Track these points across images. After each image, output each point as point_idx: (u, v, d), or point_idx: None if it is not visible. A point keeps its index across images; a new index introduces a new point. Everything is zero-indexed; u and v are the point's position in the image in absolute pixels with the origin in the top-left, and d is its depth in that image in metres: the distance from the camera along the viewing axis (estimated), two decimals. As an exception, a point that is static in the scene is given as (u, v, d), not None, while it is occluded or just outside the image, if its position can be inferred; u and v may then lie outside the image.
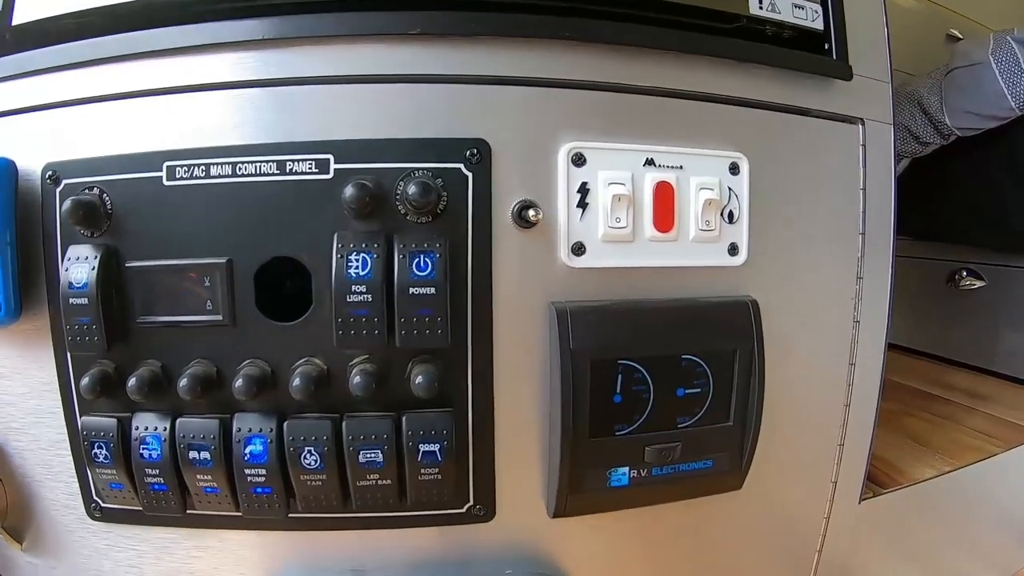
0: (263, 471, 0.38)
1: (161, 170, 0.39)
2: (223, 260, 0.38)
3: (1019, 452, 0.59)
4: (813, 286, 0.47)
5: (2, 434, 0.45)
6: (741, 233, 0.43)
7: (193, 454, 0.39)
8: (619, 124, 0.40)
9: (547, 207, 0.39)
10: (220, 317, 0.39)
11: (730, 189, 0.43)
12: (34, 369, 0.43)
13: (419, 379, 0.36)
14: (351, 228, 0.37)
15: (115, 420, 0.40)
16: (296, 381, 0.37)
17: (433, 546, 0.42)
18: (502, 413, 0.40)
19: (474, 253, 0.38)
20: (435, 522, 0.41)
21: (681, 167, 0.41)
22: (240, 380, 0.37)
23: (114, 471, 0.41)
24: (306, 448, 0.38)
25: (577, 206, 0.39)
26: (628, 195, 0.39)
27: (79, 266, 0.39)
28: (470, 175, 0.38)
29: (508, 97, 0.39)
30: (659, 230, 0.41)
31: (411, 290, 0.36)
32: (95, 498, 0.43)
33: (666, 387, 0.41)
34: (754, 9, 0.45)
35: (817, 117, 0.47)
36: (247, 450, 0.38)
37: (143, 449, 0.40)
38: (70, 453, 0.43)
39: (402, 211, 0.37)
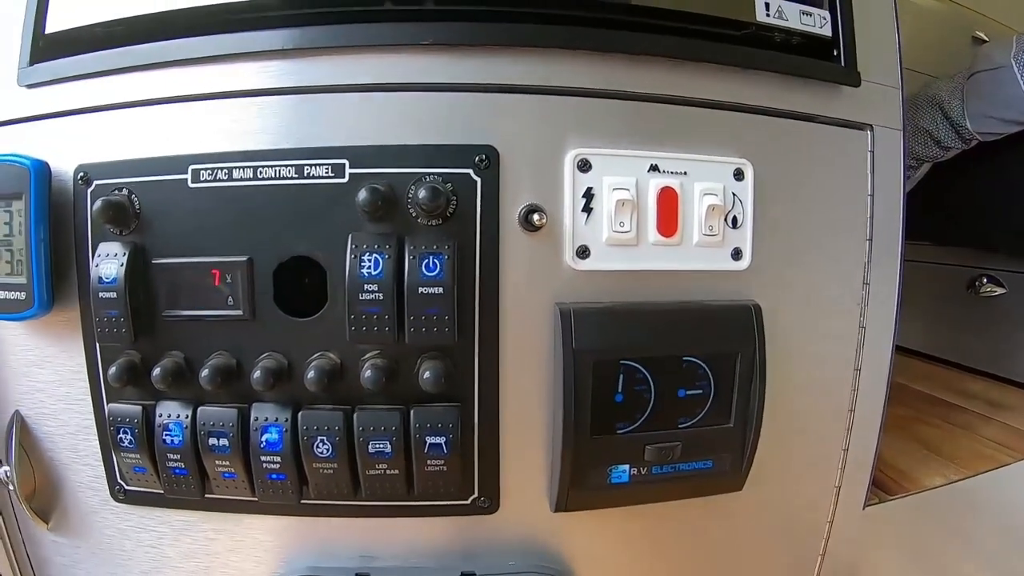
0: (278, 458, 0.42)
1: (186, 173, 0.43)
2: (244, 258, 0.42)
3: (1033, 463, 0.60)
4: (818, 291, 0.49)
5: (33, 419, 0.49)
6: (745, 238, 0.45)
7: (212, 441, 0.43)
8: (624, 131, 0.43)
9: (553, 211, 0.42)
10: (240, 312, 0.42)
11: (734, 195, 0.45)
12: (64, 358, 0.48)
13: (427, 374, 0.40)
14: (365, 230, 0.40)
15: (140, 407, 0.44)
16: (311, 374, 0.40)
17: (439, 536, 0.45)
18: (508, 409, 0.43)
19: (482, 255, 0.41)
20: (441, 512, 0.44)
21: (685, 173, 0.44)
22: (258, 372, 0.41)
23: (138, 455, 0.45)
24: (319, 437, 0.41)
25: (582, 210, 0.42)
26: (632, 200, 0.42)
27: (108, 262, 0.43)
28: (479, 180, 0.41)
29: (516, 105, 0.42)
30: (663, 235, 0.43)
31: (420, 289, 0.39)
32: (119, 481, 0.47)
33: (667, 388, 0.43)
34: (761, 16, 0.47)
35: (824, 123, 0.49)
36: (263, 438, 0.42)
37: (165, 435, 0.44)
38: (96, 438, 0.47)
39: (413, 214, 0.41)
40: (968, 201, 0.79)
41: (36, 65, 0.48)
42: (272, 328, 0.42)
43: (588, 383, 0.41)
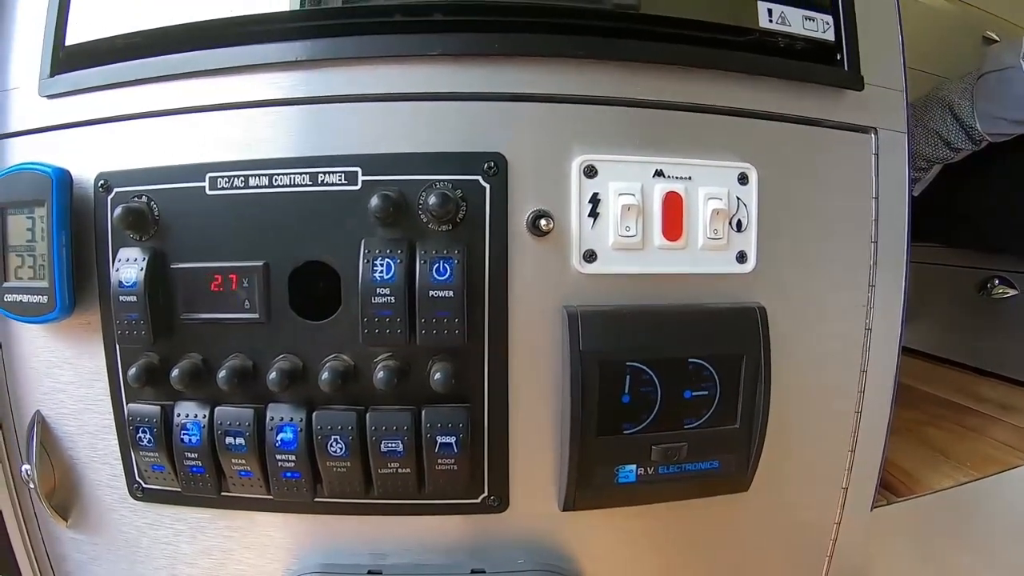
0: (293, 457, 0.44)
1: (204, 180, 0.45)
2: (260, 263, 0.44)
3: (1044, 465, 0.61)
4: (823, 293, 0.51)
5: (53, 419, 0.52)
6: (749, 241, 0.47)
7: (229, 440, 0.45)
8: (630, 137, 0.45)
9: (560, 216, 0.44)
10: (257, 315, 0.45)
11: (739, 199, 0.47)
12: (84, 360, 0.50)
13: (437, 375, 0.42)
14: (377, 235, 0.43)
15: (159, 407, 0.47)
16: (325, 375, 0.42)
17: (449, 533, 0.48)
18: (517, 409, 0.46)
19: (491, 259, 0.43)
20: (451, 511, 0.46)
21: (690, 178, 0.46)
22: (274, 373, 0.43)
23: (156, 454, 0.47)
24: (333, 437, 0.43)
25: (588, 215, 0.44)
26: (637, 205, 0.44)
27: (129, 267, 0.46)
28: (487, 187, 0.43)
29: (523, 113, 0.44)
30: (668, 239, 0.45)
31: (431, 293, 0.41)
32: (137, 479, 0.50)
33: (673, 389, 0.45)
34: (764, 22, 0.49)
35: (829, 127, 0.51)
36: (278, 437, 0.44)
37: (183, 434, 0.46)
38: (115, 437, 0.50)
39: (424, 220, 0.43)
40: (979, 202, 0.80)
41: (57, 76, 0.50)
42: (287, 331, 0.45)
43: (595, 384, 0.44)
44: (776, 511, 0.53)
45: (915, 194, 0.55)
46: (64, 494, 0.53)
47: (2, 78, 0.53)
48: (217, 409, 0.45)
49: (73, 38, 0.51)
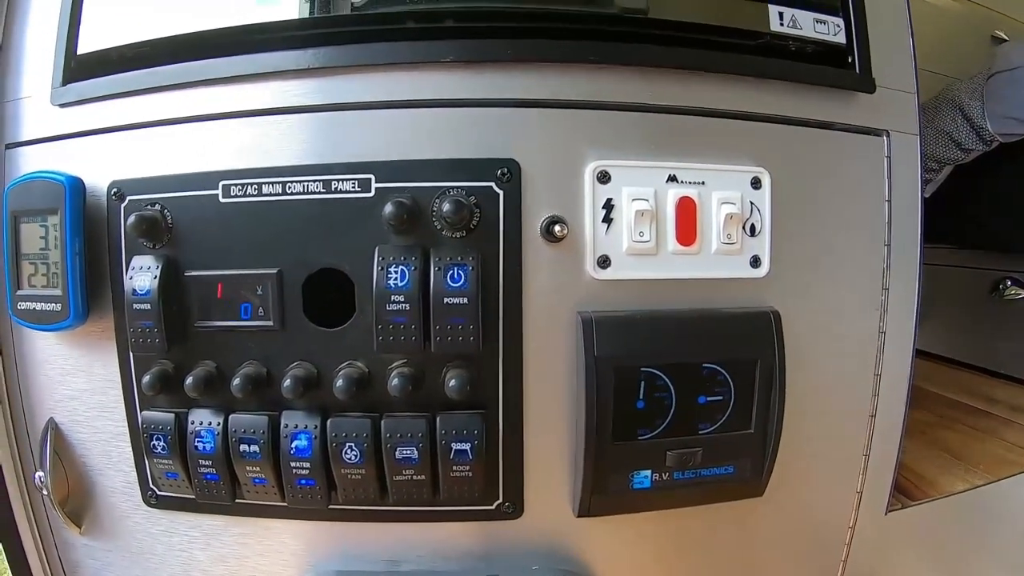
0: (307, 464, 0.45)
1: (217, 188, 0.46)
2: (274, 271, 0.45)
3: (1059, 468, 0.61)
4: (837, 297, 0.51)
5: (66, 426, 0.52)
6: (763, 246, 0.47)
7: (244, 447, 0.45)
8: (642, 142, 0.45)
9: (574, 222, 0.44)
10: (271, 323, 0.45)
11: (752, 203, 0.47)
12: (98, 367, 0.51)
13: (452, 382, 0.42)
14: (391, 242, 0.43)
15: (173, 415, 0.47)
16: (340, 382, 0.43)
17: (463, 540, 0.48)
18: (531, 415, 0.46)
19: (505, 266, 0.44)
20: (466, 517, 0.46)
21: (703, 183, 0.46)
22: (288, 380, 0.43)
23: (170, 461, 0.48)
24: (347, 444, 0.44)
25: (602, 221, 0.44)
26: (651, 210, 0.44)
27: (142, 275, 0.46)
28: (501, 193, 0.43)
29: (536, 119, 0.44)
30: (682, 244, 0.45)
31: (445, 300, 0.41)
32: (151, 486, 0.50)
33: (688, 394, 0.45)
34: (775, 26, 0.49)
35: (841, 130, 0.51)
36: (293, 444, 0.45)
37: (198, 442, 0.46)
38: (129, 444, 0.50)
39: (438, 227, 0.43)
40: (990, 203, 0.80)
41: (68, 85, 0.51)
42: (301, 338, 0.45)
43: (610, 390, 0.44)
44: (790, 515, 0.53)
45: (926, 195, 0.54)
46: (77, 501, 0.54)
47: (14, 87, 0.53)
48: (231, 417, 0.46)
49: (84, 47, 0.51)
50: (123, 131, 0.49)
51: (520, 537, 0.48)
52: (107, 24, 0.51)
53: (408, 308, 0.41)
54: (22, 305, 0.50)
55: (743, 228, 0.47)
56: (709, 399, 0.46)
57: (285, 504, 0.46)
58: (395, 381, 0.42)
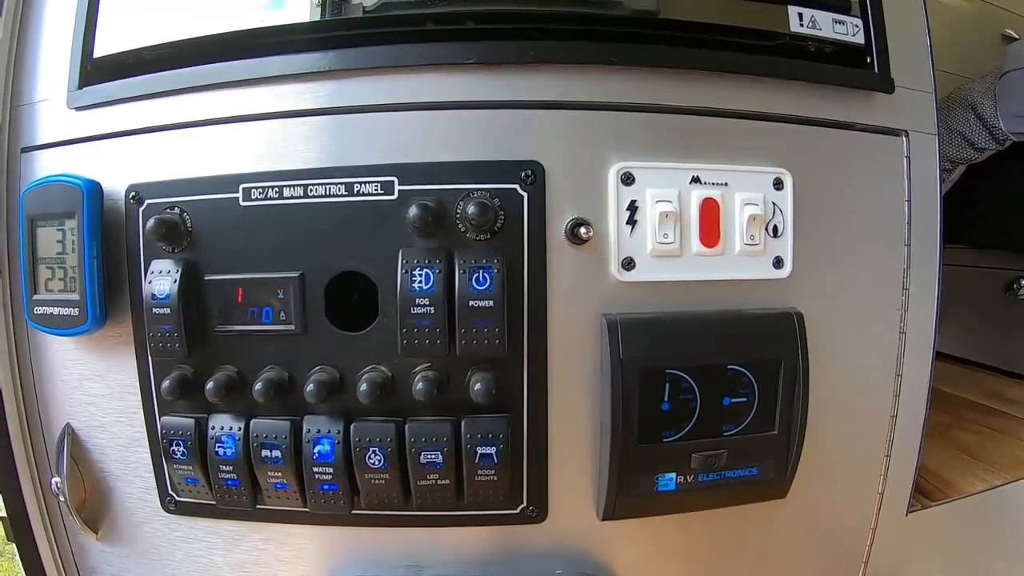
0: (330, 469, 0.44)
1: (237, 191, 0.45)
2: (296, 274, 0.44)
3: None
4: (858, 297, 0.50)
5: (83, 432, 0.52)
6: (786, 246, 0.47)
7: (265, 452, 0.45)
8: (666, 143, 0.45)
9: (598, 224, 0.44)
10: (292, 327, 0.44)
11: (774, 204, 0.47)
12: (116, 372, 0.50)
13: (478, 386, 0.42)
14: (414, 245, 0.43)
15: (193, 420, 0.47)
16: (363, 387, 0.42)
17: (485, 544, 0.47)
18: (555, 418, 0.45)
19: (530, 268, 0.43)
20: (490, 522, 0.46)
21: (726, 184, 0.46)
22: (311, 385, 0.43)
23: (190, 467, 0.47)
24: (371, 449, 0.43)
25: (627, 223, 0.44)
26: (675, 212, 0.44)
27: (162, 279, 0.46)
28: (525, 195, 0.43)
29: (559, 120, 0.44)
30: (705, 245, 0.45)
31: (471, 303, 0.41)
32: (170, 492, 0.50)
33: (713, 396, 0.45)
34: (795, 27, 0.49)
35: (860, 131, 0.51)
36: (316, 450, 0.44)
37: (218, 447, 0.46)
38: (148, 450, 0.50)
39: (462, 229, 0.43)
40: (1004, 202, 0.80)
41: (85, 88, 0.50)
42: (323, 342, 0.45)
43: (635, 392, 0.43)
44: (812, 517, 0.52)
45: (940, 195, 0.54)
46: (94, 506, 0.53)
47: (30, 90, 0.53)
48: (253, 422, 0.45)
49: (101, 50, 0.51)
50: (140, 134, 0.49)
51: (543, 540, 0.48)
52: (122, 27, 0.50)
53: (433, 311, 0.41)
54: (39, 310, 0.50)
55: (766, 229, 0.47)
56: (733, 400, 0.46)
57: (307, 509, 0.46)
58: (420, 385, 0.42)
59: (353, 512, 0.45)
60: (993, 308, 0.89)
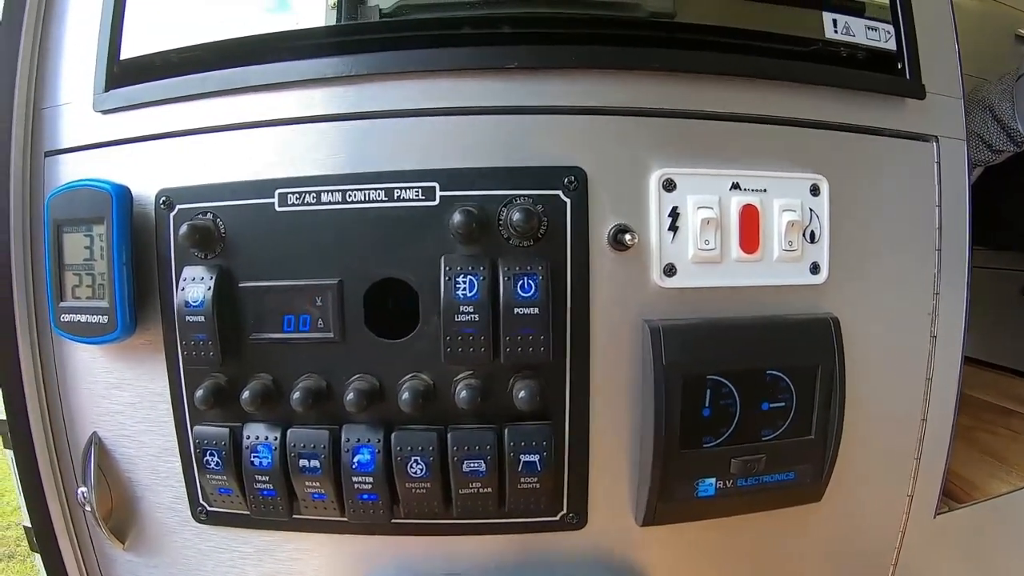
0: (370, 479, 0.44)
1: (273, 197, 0.45)
2: (334, 281, 0.43)
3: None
4: (891, 302, 0.51)
5: (111, 441, 0.51)
6: (822, 252, 0.47)
7: (303, 462, 0.44)
8: (706, 150, 0.45)
9: (639, 230, 0.44)
10: (331, 334, 0.44)
11: (811, 210, 0.47)
12: (145, 381, 0.49)
13: (522, 393, 0.41)
14: (457, 252, 0.42)
15: (227, 429, 0.46)
16: (405, 395, 0.42)
17: (524, 551, 0.47)
18: (595, 425, 0.45)
19: (573, 275, 0.43)
20: (530, 529, 0.46)
21: (765, 190, 0.46)
22: (351, 394, 0.42)
23: (224, 477, 0.46)
24: (413, 458, 0.43)
25: (668, 229, 0.44)
26: (716, 218, 0.44)
27: (195, 286, 0.45)
28: (568, 201, 0.43)
29: (601, 126, 0.44)
30: (745, 251, 0.45)
31: (516, 310, 0.41)
32: (201, 502, 0.49)
33: (752, 401, 0.45)
34: (830, 33, 0.49)
35: (892, 136, 0.51)
36: (355, 459, 0.44)
37: (254, 457, 0.45)
38: (178, 459, 0.49)
39: (504, 235, 0.42)
40: (1021, 204, 0.81)
41: (112, 91, 0.49)
42: (362, 350, 0.44)
43: (678, 398, 0.43)
44: (843, 521, 0.52)
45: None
46: (121, 516, 0.52)
47: (52, 93, 0.52)
48: (290, 431, 0.44)
49: (128, 52, 0.50)
50: (169, 138, 0.48)
51: (580, 547, 0.48)
52: (148, 30, 0.50)
53: (478, 319, 0.41)
54: (65, 317, 0.49)
55: (803, 235, 0.47)
56: (772, 405, 0.46)
57: (345, 519, 0.45)
58: (464, 393, 0.41)
59: (392, 521, 0.45)
60: (1010, 310, 0.90)
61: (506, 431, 0.43)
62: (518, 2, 0.47)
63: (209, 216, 0.46)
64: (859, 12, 0.50)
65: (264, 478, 0.45)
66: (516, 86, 0.43)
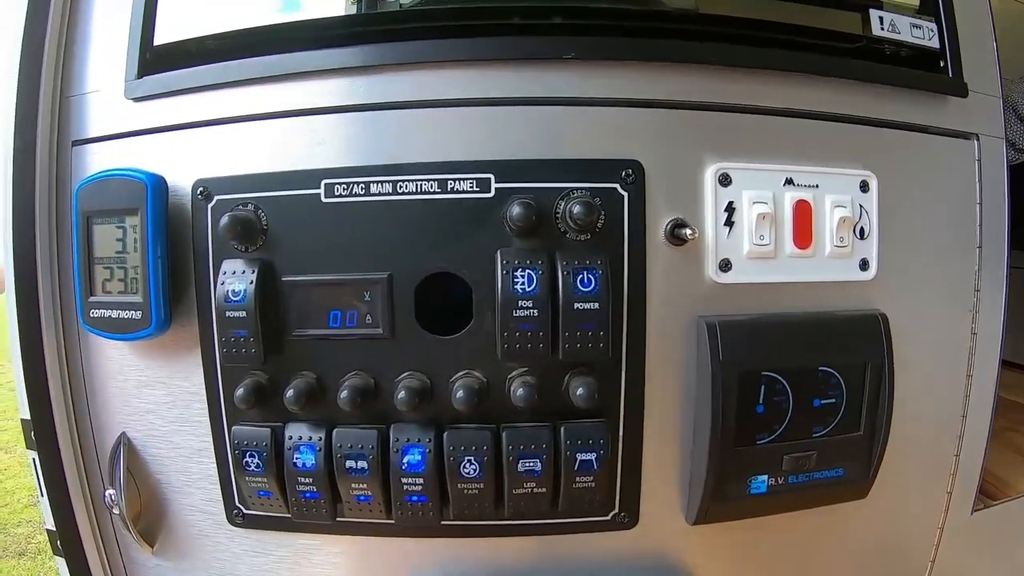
0: (420, 480, 0.42)
1: (319, 187, 0.43)
2: (384, 275, 0.42)
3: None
4: (933, 299, 0.51)
5: (140, 441, 0.49)
6: (871, 249, 0.47)
7: (350, 463, 0.43)
8: (759, 145, 0.44)
9: (694, 225, 0.43)
10: (380, 330, 0.42)
11: (861, 206, 0.47)
12: (179, 379, 0.47)
13: (580, 390, 0.40)
14: (513, 245, 0.41)
15: (268, 430, 0.44)
16: (460, 393, 0.40)
17: (571, 551, 0.46)
18: (648, 422, 0.44)
19: (630, 270, 0.42)
20: (581, 529, 0.45)
21: (817, 186, 0.45)
22: (403, 392, 0.41)
23: (264, 479, 0.44)
24: (466, 458, 0.41)
25: (724, 224, 0.43)
26: (771, 213, 0.43)
27: (236, 280, 0.43)
28: (625, 195, 0.42)
29: (657, 119, 0.43)
30: (798, 247, 0.45)
31: (575, 305, 0.40)
32: (237, 504, 0.47)
33: (804, 398, 0.44)
34: (877, 30, 0.49)
35: (935, 134, 0.51)
36: (405, 460, 0.42)
37: (297, 458, 0.43)
38: (213, 460, 0.47)
39: (561, 229, 0.41)
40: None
41: (144, 78, 0.47)
42: (412, 347, 0.43)
43: (734, 395, 0.43)
44: (885, 517, 0.52)
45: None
46: (149, 519, 0.50)
47: (79, 80, 0.50)
48: (336, 431, 0.43)
49: (161, 38, 0.48)
50: (206, 127, 0.46)
51: (629, 547, 0.47)
52: (186, 14, 0.48)
53: (537, 314, 0.39)
54: (95, 313, 0.47)
55: (853, 231, 0.47)
56: (823, 402, 0.45)
57: (391, 521, 0.44)
58: (520, 391, 0.40)
59: (442, 523, 0.44)
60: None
61: (562, 429, 0.42)
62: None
63: (250, 207, 0.44)
64: (903, 10, 0.50)
65: (307, 480, 0.44)
66: (572, 77, 0.42)
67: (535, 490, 0.42)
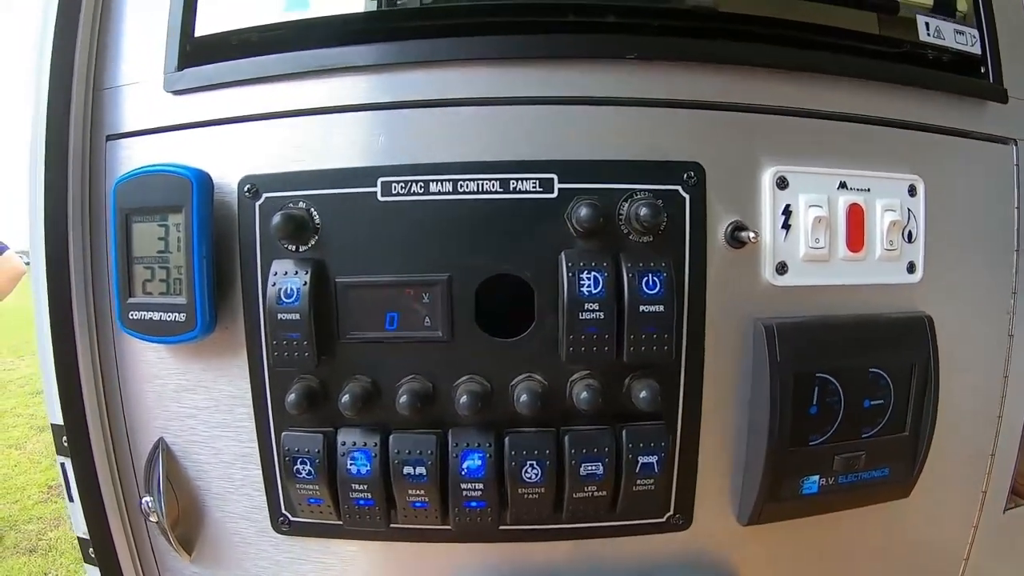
0: (480, 485, 0.42)
1: (375, 186, 0.42)
2: (443, 276, 0.42)
3: None
4: (974, 301, 0.52)
5: (179, 447, 0.48)
6: (918, 252, 0.48)
7: (408, 469, 0.42)
8: (815, 148, 0.45)
9: (751, 228, 0.43)
10: (439, 333, 0.42)
11: (909, 210, 0.47)
12: (222, 383, 0.46)
13: (643, 393, 0.40)
14: (576, 247, 0.41)
15: (321, 435, 0.43)
16: (524, 397, 0.40)
17: (624, 553, 0.46)
18: (704, 425, 0.45)
19: (691, 272, 0.42)
20: (637, 531, 0.45)
21: (868, 190, 0.46)
22: (465, 396, 0.40)
23: (316, 486, 0.44)
24: (528, 462, 0.41)
25: (781, 227, 0.44)
26: (827, 217, 0.44)
27: (288, 281, 0.42)
28: (687, 197, 0.42)
29: (717, 121, 0.43)
30: (851, 250, 0.45)
31: (641, 308, 0.40)
32: (283, 511, 0.46)
33: (855, 399, 0.45)
34: (923, 36, 0.50)
35: (976, 139, 0.52)
36: (464, 465, 0.42)
37: (351, 464, 0.43)
38: (257, 466, 0.46)
39: (624, 231, 0.41)
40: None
41: (185, 70, 0.46)
42: (472, 350, 0.42)
43: (789, 396, 0.43)
44: (923, 516, 0.53)
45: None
46: (187, 527, 0.49)
47: (114, 73, 0.48)
48: (393, 436, 0.42)
49: (202, 29, 0.47)
50: (252, 121, 0.45)
51: (681, 548, 0.47)
52: (230, 5, 0.47)
53: (602, 317, 0.39)
54: (135, 315, 0.45)
55: (901, 234, 0.47)
56: (873, 403, 0.46)
57: (447, 527, 0.43)
58: (584, 394, 0.40)
59: (500, 528, 0.43)
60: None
61: (623, 432, 0.42)
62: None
63: (302, 205, 0.43)
64: (947, 16, 0.51)
65: (362, 486, 0.43)
66: (635, 77, 0.42)
67: (595, 493, 0.42)
